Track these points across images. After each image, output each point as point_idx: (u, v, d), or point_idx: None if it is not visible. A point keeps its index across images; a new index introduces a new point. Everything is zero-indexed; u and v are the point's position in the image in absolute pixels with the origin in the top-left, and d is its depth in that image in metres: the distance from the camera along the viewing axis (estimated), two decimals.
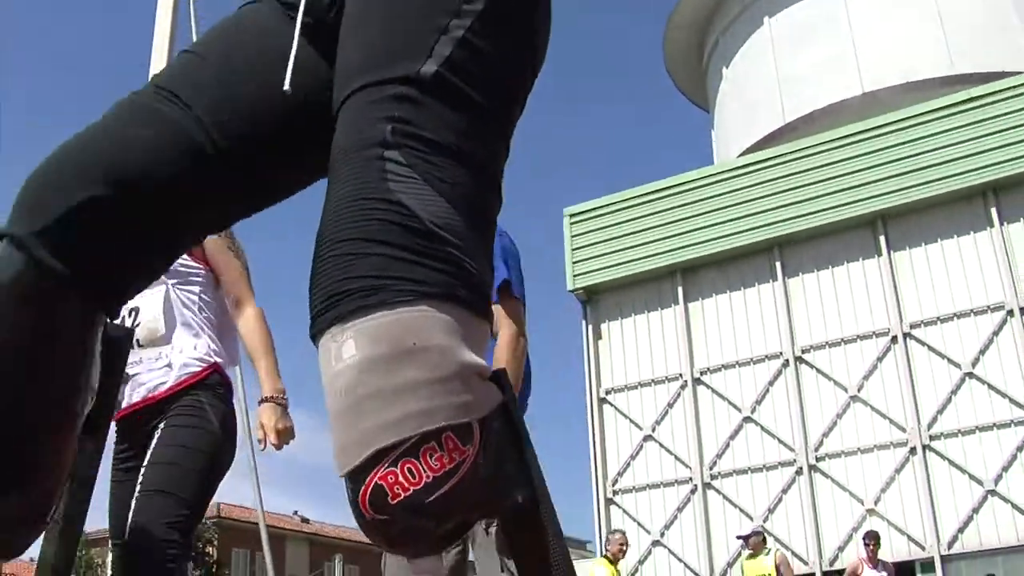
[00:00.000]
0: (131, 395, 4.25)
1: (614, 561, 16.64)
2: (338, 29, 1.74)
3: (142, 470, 4.06)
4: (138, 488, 4.05)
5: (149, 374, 4.27)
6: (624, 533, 19.09)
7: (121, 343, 1.77)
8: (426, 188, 1.48)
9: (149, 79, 1.81)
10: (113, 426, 4.21)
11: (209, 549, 34.97)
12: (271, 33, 1.86)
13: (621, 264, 31.91)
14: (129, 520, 3.94)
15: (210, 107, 1.75)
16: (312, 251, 1.49)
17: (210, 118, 1.75)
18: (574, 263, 32.65)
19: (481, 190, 1.58)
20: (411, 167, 1.50)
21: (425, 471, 1.35)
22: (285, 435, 4.27)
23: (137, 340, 4.28)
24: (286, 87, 1.73)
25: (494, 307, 4.48)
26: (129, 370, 4.16)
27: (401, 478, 1.34)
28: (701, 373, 30.73)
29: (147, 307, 4.23)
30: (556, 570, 1.53)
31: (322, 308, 1.45)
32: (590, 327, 32.60)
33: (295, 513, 56.37)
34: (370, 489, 1.35)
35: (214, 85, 1.78)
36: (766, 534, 27.76)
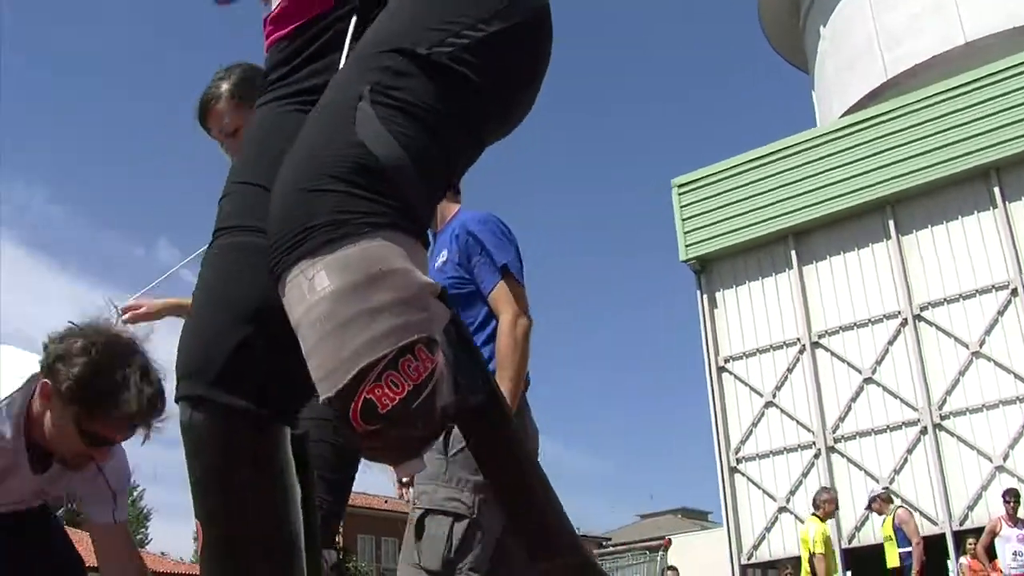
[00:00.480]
0: None
1: (824, 519, 16.61)
2: None
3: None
4: None
5: None
6: (833, 491, 18.96)
7: (301, 442, 2.00)
8: (385, 134, 1.65)
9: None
10: None
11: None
12: (285, 127, 2.03)
13: (732, 232, 31.86)
14: None
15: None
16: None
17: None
18: (685, 233, 32.65)
19: (434, 155, 1.73)
20: (382, 118, 1.67)
21: (406, 381, 1.52)
22: None
23: None
24: None
25: (495, 291, 4.57)
26: None
27: (387, 390, 1.51)
28: (819, 336, 30.67)
29: None
30: (522, 463, 1.73)
31: (289, 245, 1.60)
32: (705, 297, 32.65)
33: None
34: (360, 404, 1.51)
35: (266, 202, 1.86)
36: (892, 495, 28.05)
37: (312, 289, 1.56)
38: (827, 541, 15.83)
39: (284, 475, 1.93)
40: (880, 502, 18.34)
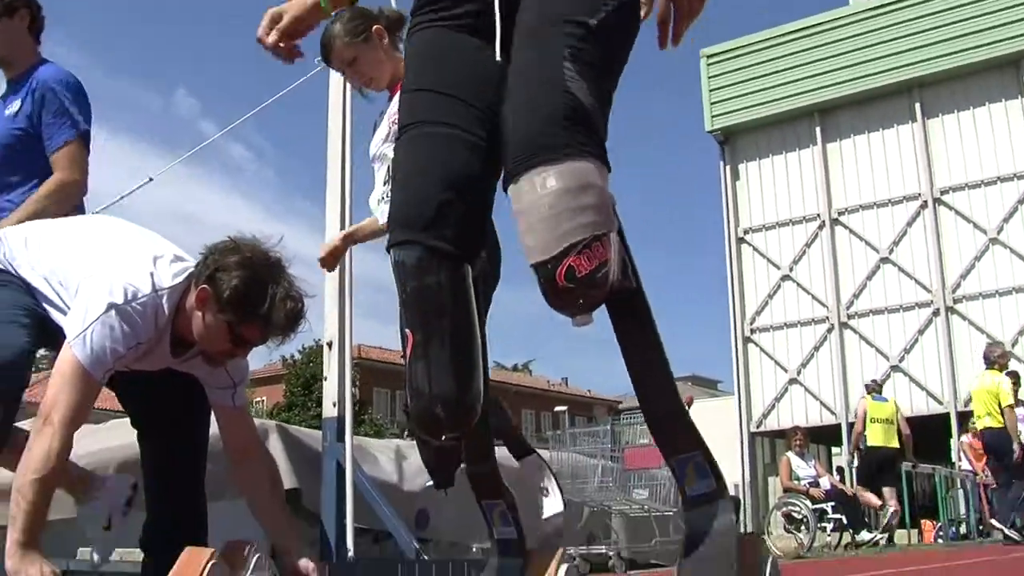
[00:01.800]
0: None
1: (1002, 369, 16.32)
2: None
3: None
4: None
5: None
6: (1000, 344, 18.53)
7: (478, 281, 2.68)
8: (586, 90, 2.33)
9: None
10: None
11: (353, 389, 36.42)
12: (455, 45, 2.68)
13: (758, 105, 31.98)
14: None
15: (460, 115, 2.60)
16: None
17: (464, 122, 2.59)
18: (712, 104, 32.79)
19: (608, 99, 2.44)
20: (579, 75, 2.33)
21: (595, 258, 2.22)
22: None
23: None
24: (498, 58, 2.57)
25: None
26: None
27: (583, 261, 2.20)
28: (839, 213, 31.10)
29: None
30: (657, 346, 2.48)
31: (528, 156, 2.29)
32: (728, 168, 32.94)
33: None
34: (564, 270, 2.20)
35: (451, 101, 2.62)
36: (904, 373, 28.75)
37: (543, 186, 2.25)
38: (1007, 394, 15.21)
39: (468, 299, 2.60)
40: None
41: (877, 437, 15.79)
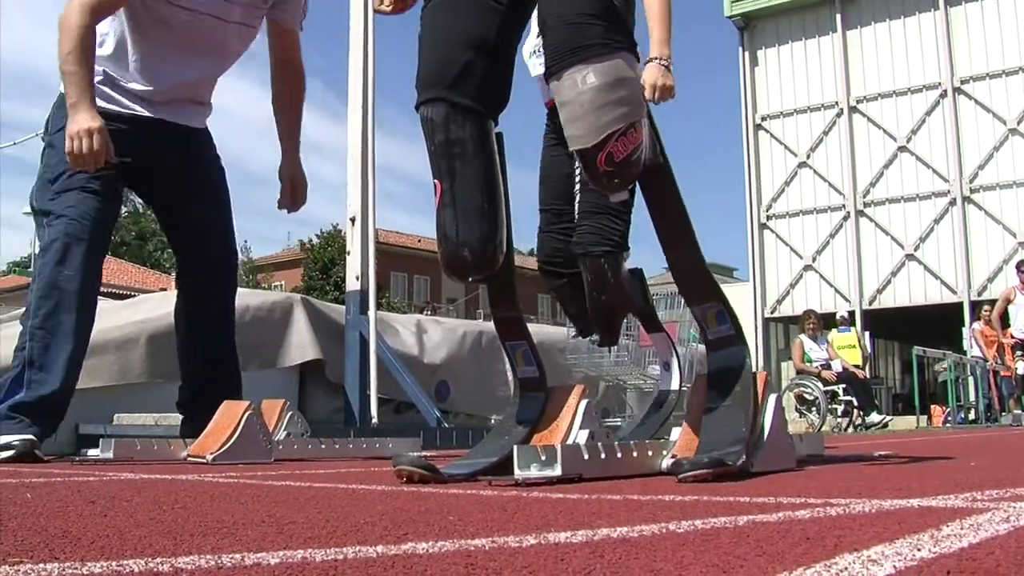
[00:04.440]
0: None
1: None
2: None
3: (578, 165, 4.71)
4: (579, 178, 4.51)
5: None
6: None
7: (501, 137, 2.95)
8: None
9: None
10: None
11: None
12: None
13: None
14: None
15: None
16: None
17: None
18: None
19: None
20: None
21: (631, 143, 2.53)
22: (666, 93, 4.18)
23: None
24: None
25: None
26: None
27: (621, 147, 2.52)
28: (857, 102, 30.98)
29: None
30: (680, 208, 2.83)
31: (567, 53, 2.58)
32: (747, 54, 32.75)
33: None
34: (605, 156, 2.52)
35: None
36: (919, 262, 28.84)
37: (583, 82, 2.55)
38: None
39: (491, 152, 2.87)
40: None
41: (846, 359, 16.00)
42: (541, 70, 4.73)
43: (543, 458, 2.20)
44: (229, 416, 4.14)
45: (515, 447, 2.27)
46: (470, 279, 2.83)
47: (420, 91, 2.85)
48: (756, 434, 2.40)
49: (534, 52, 4.74)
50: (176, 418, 4.95)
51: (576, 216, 4.24)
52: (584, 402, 2.61)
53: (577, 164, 4.46)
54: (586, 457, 2.26)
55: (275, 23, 4.81)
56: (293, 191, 4.98)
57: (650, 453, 2.48)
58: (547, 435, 2.56)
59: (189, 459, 4.14)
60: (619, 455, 2.37)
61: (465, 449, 6.89)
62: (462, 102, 2.76)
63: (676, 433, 2.58)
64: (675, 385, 4.24)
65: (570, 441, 2.49)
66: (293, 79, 4.98)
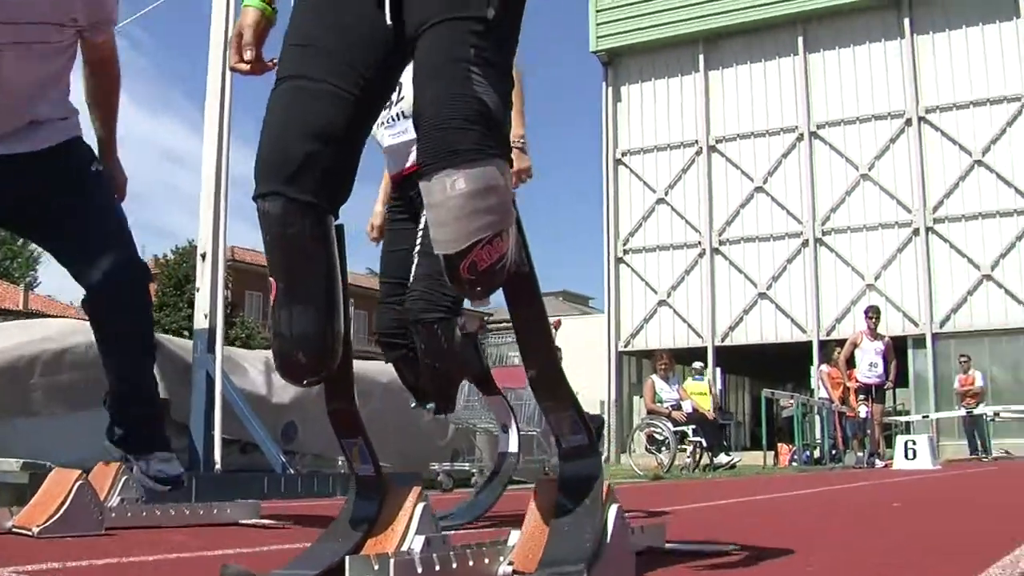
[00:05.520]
0: (408, 159, 4.99)
1: None
2: None
3: (419, 232, 4.59)
4: (418, 245, 4.57)
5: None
6: None
7: (342, 230, 2.80)
8: (491, 91, 2.45)
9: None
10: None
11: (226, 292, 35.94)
12: (339, 2, 2.76)
13: (645, 28, 32.17)
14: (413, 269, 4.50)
15: (333, 71, 2.68)
16: None
17: (336, 78, 2.67)
18: (598, 25, 32.89)
19: (509, 89, 2.57)
20: (485, 77, 2.44)
21: (496, 252, 2.41)
22: (524, 175, 4.47)
23: (403, 112, 5.05)
24: (388, 22, 2.68)
25: None
26: (399, 140, 4.92)
27: (486, 255, 2.39)
28: (716, 141, 31.54)
29: (407, 83, 4.82)
30: (541, 316, 2.75)
31: (439, 156, 2.41)
32: (610, 89, 33.11)
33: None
34: (468, 263, 2.39)
35: (326, 56, 2.70)
36: (771, 300, 29.47)
37: (452, 188, 2.40)
38: None
39: (330, 249, 2.73)
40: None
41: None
42: (391, 141, 4.69)
43: (376, 567, 2.13)
44: (59, 485, 3.98)
45: (347, 558, 2.20)
46: (305, 382, 2.72)
47: (258, 182, 2.74)
48: (599, 547, 2.38)
49: (382, 123, 4.70)
50: (8, 462, 4.77)
51: (411, 280, 4.23)
52: (421, 505, 2.55)
53: (421, 233, 4.47)
54: (419, 571, 2.19)
55: (83, 39, 4.61)
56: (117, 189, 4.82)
57: (487, 561, 2.43)
58: (382, 539, 2.49)
59: (13, 530, 3.96)
60: (455, 565, 2.31)
61: (310, 499, 6.82)
62: (301, 197, 2.65)
63: (515, 537, 2.52)
64: (513, 448, 4.23)
65: (405, 547, 2.43)
66: (105, 79, 4.83)
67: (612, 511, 2.47)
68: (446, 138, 2.45)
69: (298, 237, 2.65)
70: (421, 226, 4.46)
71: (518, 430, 4.25)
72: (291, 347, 2.64)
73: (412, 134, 4.67)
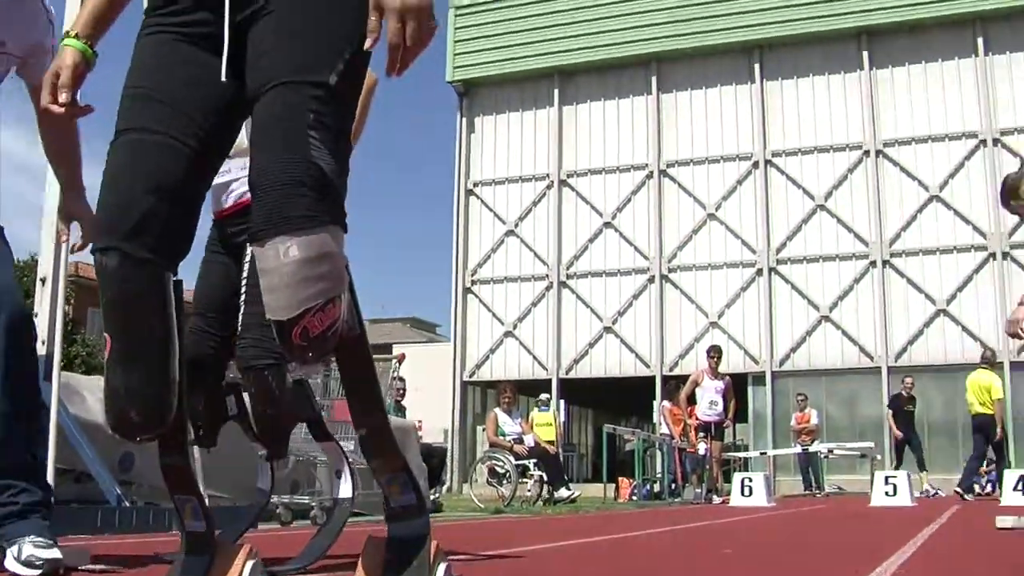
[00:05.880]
0: (225, 200, 4.92)
1: (992, 367, 18.51)
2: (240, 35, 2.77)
3: (244, 279, 4.51)
4: (244, 294, 4.50)
5: (238, 182, 4.92)
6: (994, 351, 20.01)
7: (180, 286, 2.76)
8: (328, 157, 2.45)
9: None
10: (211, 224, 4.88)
11: (66, 307, 34.90)
12: (180, 54, 2.73)
13: (501, 61, 32.46)
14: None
15: (174, 124, 2.65)
16: None
17: (176, 131, 2.64)
18: (455, 55, 33.04)
19: (347, 154, 2.57)
20: (323, 142, 2.44)
21: (328, 318, 2.41)
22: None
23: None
24: (223, 78, 2.65)
25: None
26: (220, 179, 4.81)
27: (317, 322, 2.39)
28: (568, 175, 31.86)
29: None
30: (372, 378, 2.76)
31: (273, 222, 2.40)
32: (464, 120, 33.26)
33: None
34: (300, 330, 2.38)
35: (167, 108, 2.67)
36: (616, 335, 29.79)
37: (285, 255, 2.39)
38: None
39: (167, 306, 2.68)
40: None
41: (541, 436, 16.55)
42: (218, 179, 4.61)
43: None
44: None
45: None
46: (138, 439, 2.66)
47: (95, 236, 2.71)
48: None
49: None
50: None
51: (239, 328, 4.19)
52: (251, 563, 2.49)
53: (246, 281, 4.42)
54: None
55: (29, 85, 4.44)
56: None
57: None
58: None
59: None
60: None
61: (145, 535, 6.65)
62: (138, 254, 2.61)
63: None
64: (347, 494, 4.20)
65: None
66: (57, 134, 4.64)
67: (440, 571, 2.45)
68: (280, 203, 2.44)
69: (135, 294, 2.61)
70: (245, 273, 4.42)
71: (352, 474, 4.21)
72: (124, 404, 2.59)
73: (233, 174, 4.66)
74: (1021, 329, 6.07)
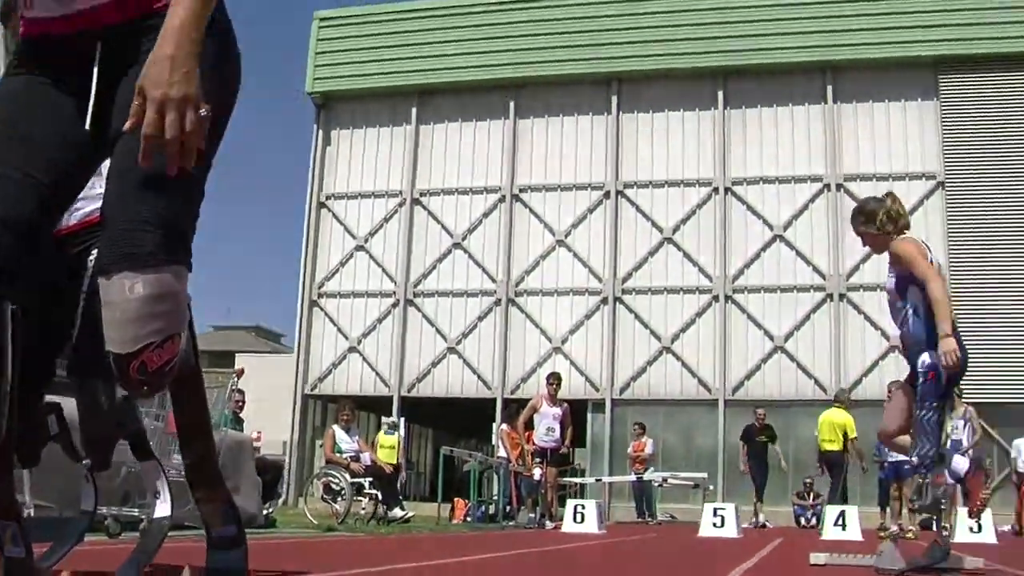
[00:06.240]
0: (68, 219, 4.85)
1: (846, 408, 19.45)
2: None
3: (82, 295, 4.62)
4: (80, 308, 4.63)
5: (84, 201, 4.84)
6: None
7: (17, 315, 2.75)
8: (179, 196, 2.55)
9: None
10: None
11: None
12: (42, 96, 2.79)
13: (362, 76, 32.48)
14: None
15: (30, 161, 2.69)
16: None
17: (32, 168, 2.67)
18: (316, 67, 33.01)
19: (200, 196, 2.68)
20: (176, 186, 2.51)
21: (166, 354, 2.50)
22: None
23: None
24: (87, 126, 2.71)
25: None
26: None
27: (156, 357, 2.48)
28: (420, 194, 31.97)
29: None
30: (203, 409, 3.05)
31: (119, 258, 2.48)
32: (321, 132, 33.17)
33: None
34: (138, 364, 2.47)
35: (23, 146, 2.71)
36: (459, 355, 29.90)
37: (131, 291, 2.47)
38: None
39: (2, 334, 2.69)
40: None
41: (383, 458, 16.75)
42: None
43: None
44: None
45: None
46: None
47: None
48: None
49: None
50: None
51: (74, 339, 4.19)
52: None
53: (84, 297, 4.41)
54: None
55: None
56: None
57: None
58: None
59: None
60: None
61: None
62: None
63: None
64: (165, 513, 4.23)
65: None
66: None
67: None
68: (127, 240, 2.50)
69: None
70: (85, 288, 4.41)
71: (171, 494, 4.24)
72: None
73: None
74: (956, 358, 6.26)
